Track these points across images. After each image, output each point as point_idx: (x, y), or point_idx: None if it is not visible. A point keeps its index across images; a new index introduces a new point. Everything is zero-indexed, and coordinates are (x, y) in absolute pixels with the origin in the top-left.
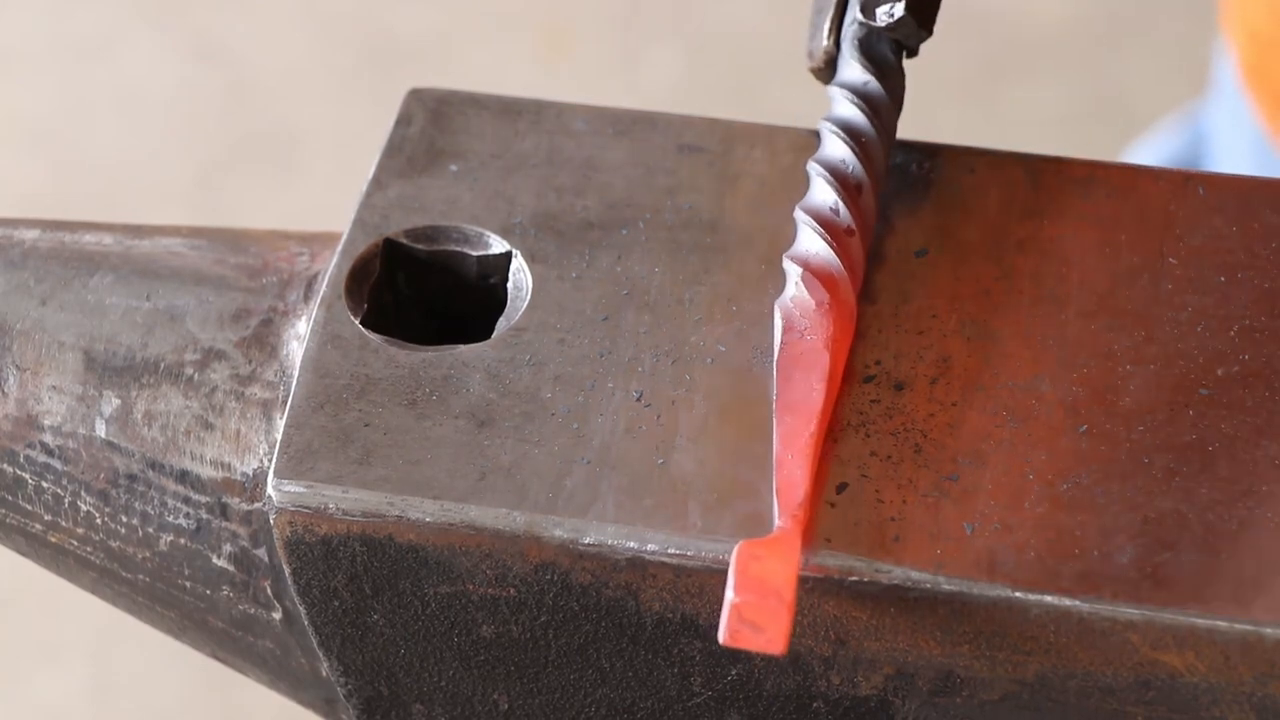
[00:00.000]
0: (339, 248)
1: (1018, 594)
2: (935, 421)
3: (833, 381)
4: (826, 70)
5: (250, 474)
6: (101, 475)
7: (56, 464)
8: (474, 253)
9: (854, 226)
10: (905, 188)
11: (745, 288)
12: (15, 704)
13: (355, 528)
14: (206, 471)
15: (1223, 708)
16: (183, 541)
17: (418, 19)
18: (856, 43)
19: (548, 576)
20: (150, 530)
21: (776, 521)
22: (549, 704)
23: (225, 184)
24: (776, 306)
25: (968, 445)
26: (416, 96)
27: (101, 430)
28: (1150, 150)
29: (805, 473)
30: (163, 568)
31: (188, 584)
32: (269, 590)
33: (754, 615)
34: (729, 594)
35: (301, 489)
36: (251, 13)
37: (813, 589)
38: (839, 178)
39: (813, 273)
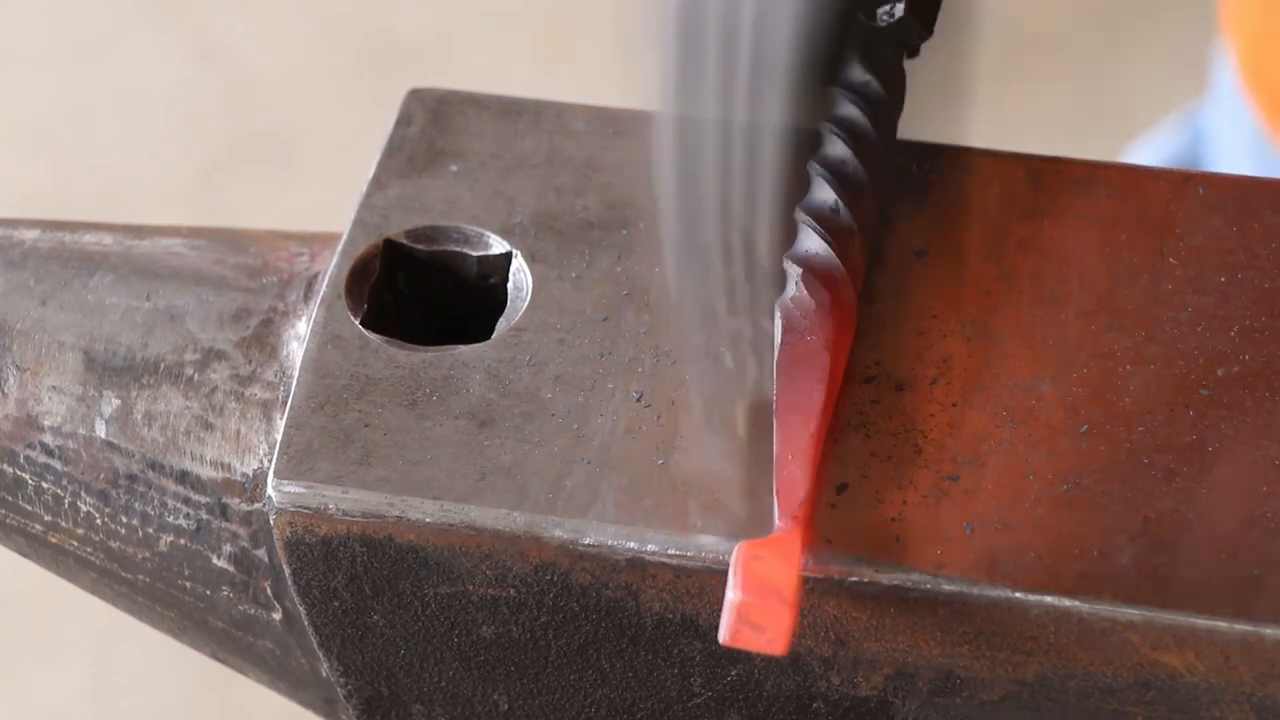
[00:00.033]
0: (339, 248)
1: (1018, 594)
2: (935, 422)
3: (833, 382)
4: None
5: (250, 474)
6: (101, 476)
7: (56, 464)
8: (474, 253)
9: (854, 226)
10: (905, 188)
11: None
12: (15, 704)
13: (355, 528)
14: (206, 472)
15: (1223, 708)
16: (183, 542)
17: (418, 19)
18: (857, 43)
19: (548, 577)
20: (150, 530)
21: (777, 522)
22: (549, 704)
23: (225, 184)
24: (777, 307)
25: (968, 445)
26: (416, 96)
27: (101, 430)
28: (1150, 150)
29: (806, 473)
30: (163, 568)
31: (188, 584)
32: (269, 591)
33: (755, 615)
34: (730, 594)
35: (301, 489)
36: (251, 13)
37: (813, 589)
38: (839, 178)
39: (813, 273)
